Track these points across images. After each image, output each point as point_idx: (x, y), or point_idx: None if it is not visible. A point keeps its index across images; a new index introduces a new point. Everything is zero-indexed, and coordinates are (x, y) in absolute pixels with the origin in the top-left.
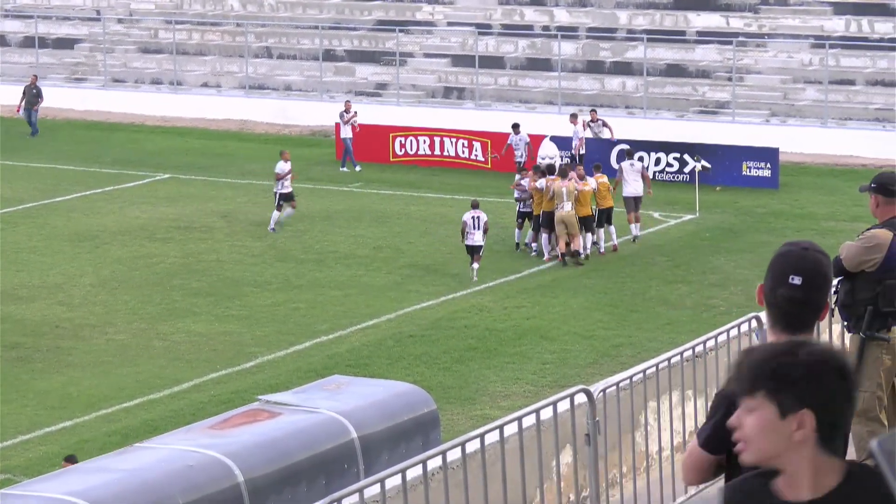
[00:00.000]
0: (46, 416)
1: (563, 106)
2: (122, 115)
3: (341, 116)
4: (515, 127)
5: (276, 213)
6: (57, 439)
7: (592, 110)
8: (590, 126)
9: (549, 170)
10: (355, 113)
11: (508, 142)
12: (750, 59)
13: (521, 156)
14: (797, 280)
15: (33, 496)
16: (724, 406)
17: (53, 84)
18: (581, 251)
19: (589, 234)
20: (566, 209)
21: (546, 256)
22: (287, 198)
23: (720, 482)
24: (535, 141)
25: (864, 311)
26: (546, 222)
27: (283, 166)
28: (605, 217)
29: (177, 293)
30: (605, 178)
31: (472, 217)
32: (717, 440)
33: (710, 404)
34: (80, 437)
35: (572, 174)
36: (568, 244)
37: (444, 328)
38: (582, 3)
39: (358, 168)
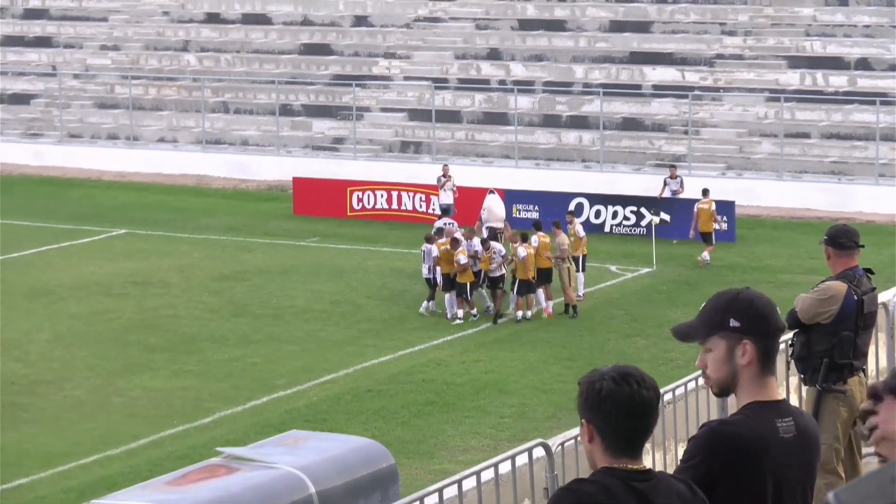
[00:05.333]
0: (2, 474)
1: (520, 160)
2: (78, 171)
3: (438, 181)
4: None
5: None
6: (13, 497)
7: (672, 167)
8: (667, 182)
9: (537, 226)
10: (450, 177)
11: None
12: (705, 113)
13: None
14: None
15: None
16: (712, 444)
17: (9, 139)
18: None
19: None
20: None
21: (545, 307)
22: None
23: None
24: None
25: (819, 364)
26: (545, 278)
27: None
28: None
29: (133, 349)
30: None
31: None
32: (708, 482)
33: (692, 442)
34: (37, 494)
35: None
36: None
37: (401, 382)
38: (538, 57)
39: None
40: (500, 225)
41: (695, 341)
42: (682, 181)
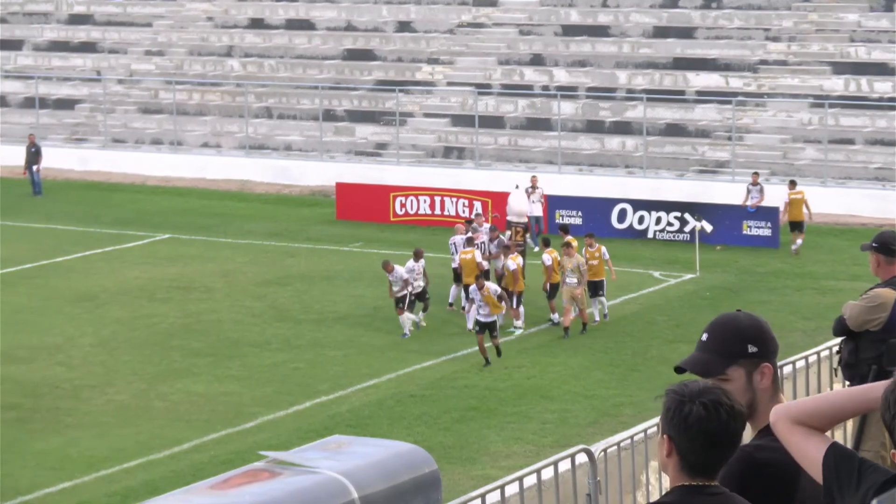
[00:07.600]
0: (46, 478)
1: (563, 165)
2: (123, 176)
3: (526, 192)
4: (417, 255)
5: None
6: (57, 500)
7: (755, 174)
8: (749, 190)
9: (564, 230)
10: (538, 188)
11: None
12: (749, 119)
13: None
14: (753, 349)
15: None
16: (750, 472)
17: (54, 144)
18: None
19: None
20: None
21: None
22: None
23: None
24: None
25: (868, 371)
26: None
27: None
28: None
29: (176, 353)
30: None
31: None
32: None
33: (724, 469)
34: (80, 499)
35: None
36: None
37: (444, 388)
38: (581, 63)
39: (536, 248)
40: (519, 220)
41: (715, 376)
42: (762, 188)
